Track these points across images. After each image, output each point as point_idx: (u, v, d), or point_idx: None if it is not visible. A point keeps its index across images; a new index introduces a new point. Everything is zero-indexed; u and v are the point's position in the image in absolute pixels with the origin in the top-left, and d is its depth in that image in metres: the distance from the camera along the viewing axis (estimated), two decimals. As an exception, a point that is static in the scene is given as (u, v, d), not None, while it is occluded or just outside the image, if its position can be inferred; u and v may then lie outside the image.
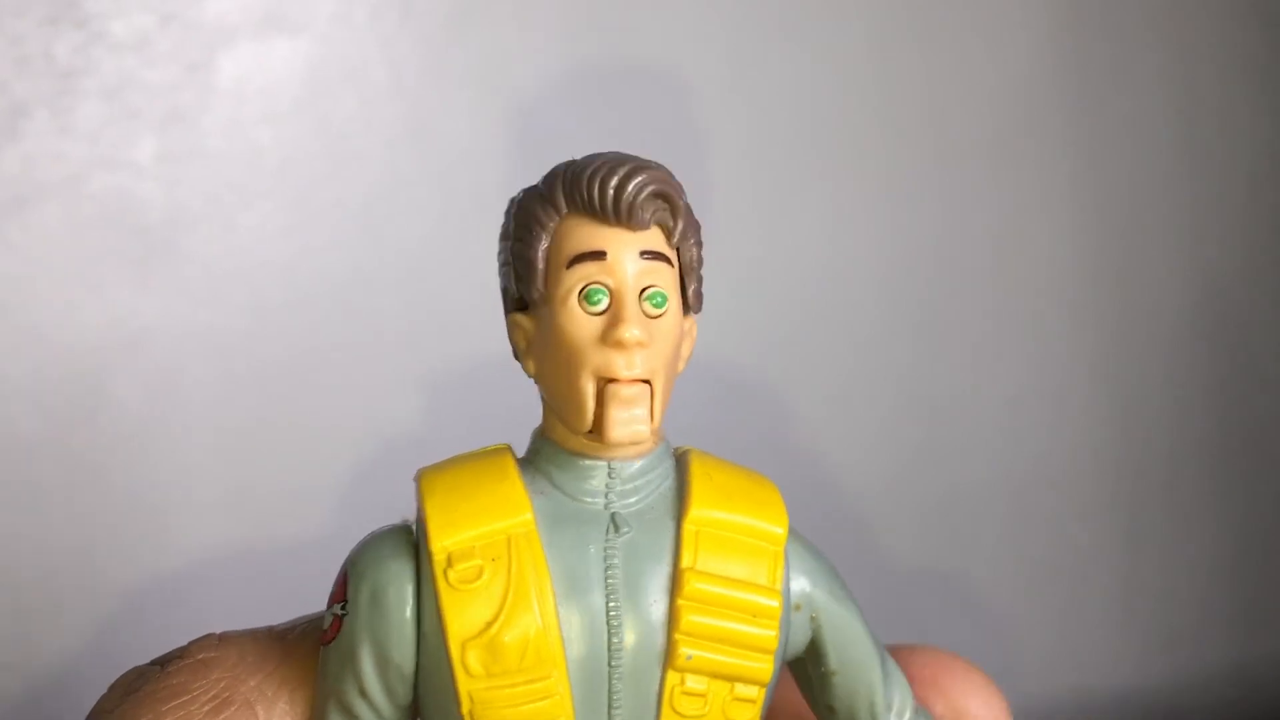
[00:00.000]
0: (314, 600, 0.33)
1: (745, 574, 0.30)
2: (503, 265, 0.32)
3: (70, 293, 0.64)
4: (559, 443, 0.31)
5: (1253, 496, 0.87)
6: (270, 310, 0.67)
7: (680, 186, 0.31)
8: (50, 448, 0.64)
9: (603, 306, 0.30)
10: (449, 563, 0.29)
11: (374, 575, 0.30)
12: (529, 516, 0.30)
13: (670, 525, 0.31)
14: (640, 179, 0.30)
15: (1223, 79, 0.84)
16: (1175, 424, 0.85)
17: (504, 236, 0.32)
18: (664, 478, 0.31)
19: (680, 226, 0.31)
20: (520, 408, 0.33)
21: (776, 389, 0.77)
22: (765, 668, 0.30)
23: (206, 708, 0.31)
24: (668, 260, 0.31)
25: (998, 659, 0.82)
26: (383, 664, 0.30)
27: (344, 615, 0.31)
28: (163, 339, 0.66)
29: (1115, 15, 0.81)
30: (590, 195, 0.30)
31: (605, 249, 0.30)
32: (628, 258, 0.30)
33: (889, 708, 0.33)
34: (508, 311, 0.32)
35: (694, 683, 0.30)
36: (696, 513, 0.31)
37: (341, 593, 0.31)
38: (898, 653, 0.35)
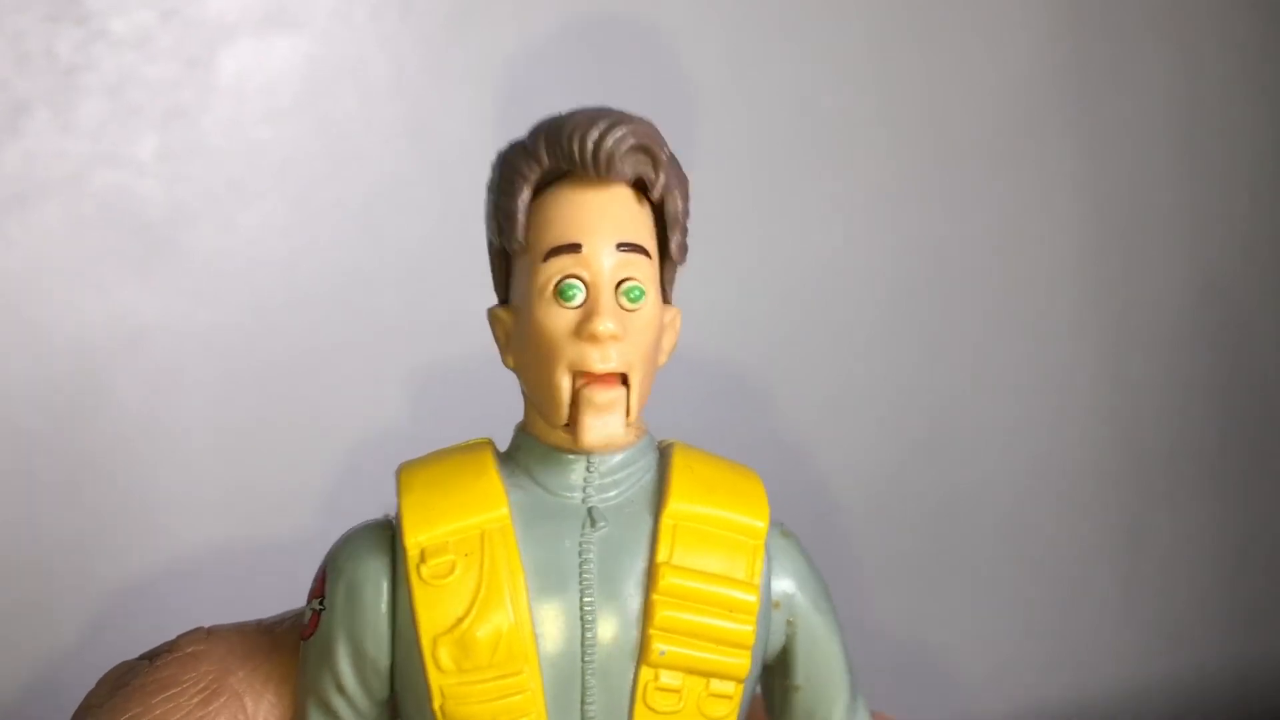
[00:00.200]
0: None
1: (723, 568, 0.30)
2: (487, 218, 0.32)
3: (71, 290, 0.64)
4: (538, 437, 0.31)
5: (1253, 496, 0.87)
6: (270, 308, 0.67)
7: (662, 139, 0.30)
8: (50, 444, 0.64)
9: (578, 301, 0.29)
10: (422, 558, 0.29)
11: (350, 571, 0.31)
12: (504, 512, 0.30)
13: (648, 519, 0.30)
14: (620, 132, 0.30)
15: (1223, 78, 0.84)
16: (1175, 423, 0.85)
17: (489, 188, 0.32)
18: (645, 471, 0.31)
19: (662, 179, 0.30)
20: (520, 407, 0.33)
21: (777, 388, 0.77)
22: (742, 663, 0.30)
23: (195, 699, 0.32)
24: (645, 252, 0.30)
25: (998, 658, 0.82)
26: (359, 659, 0.30)
27: (322, 610, 0.31)
28: (163, 336, 0.66)
29: (1115, 15, 0.81)
30: (570, 148, 0.29)
31: (581, 241, 0.30)
32: (604, 251, 0.30)
33: None
34: (494, 268, 0.32)
35: (668, 678, 0.30)
36: (675, 506, 0.30)
37: (320, 588, 0.31)
38: None
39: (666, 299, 0.32)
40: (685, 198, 0.31)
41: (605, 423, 0.29)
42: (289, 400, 0.68)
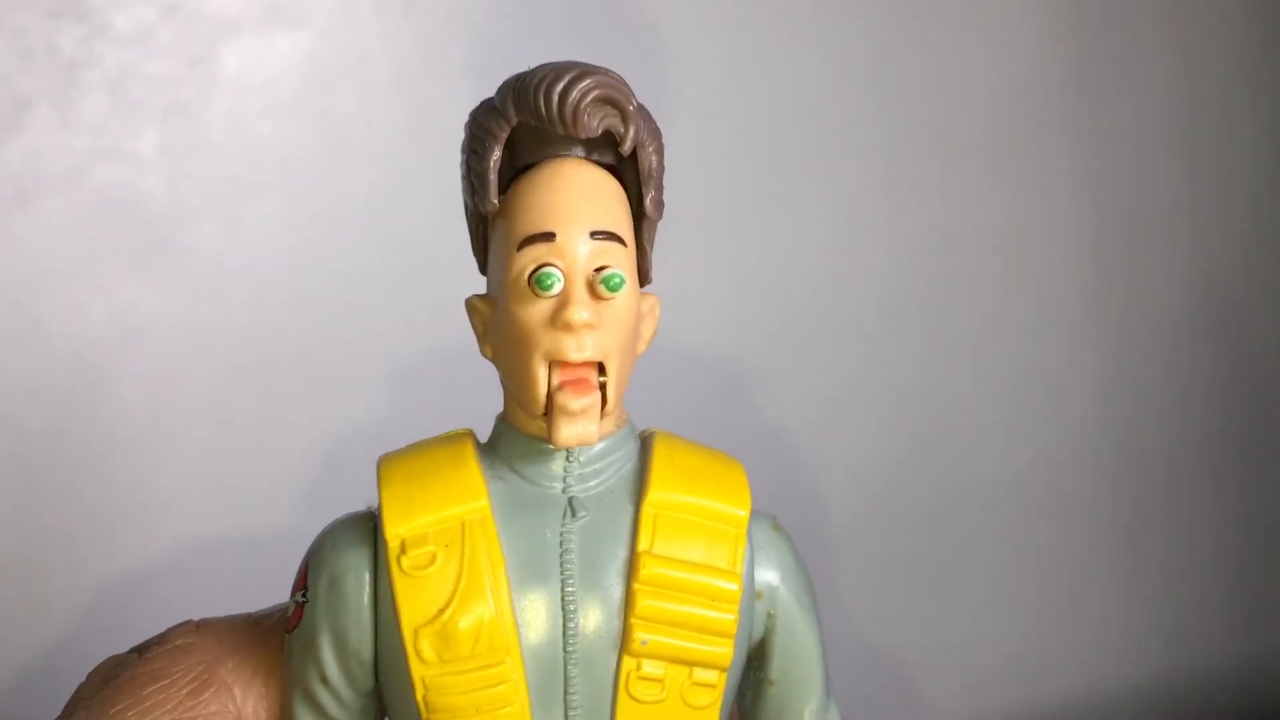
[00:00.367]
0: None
1: (704, 557, 0.30)
2: (462, 179, 0.31)
3: (71, 285, 0.65)
4: (518, 427, 0.31)
5: (1253, 494, 0.87)
6: (271, 304, 0.67)
7: (629, 91, 0.30)
8: (49, 439, 0.65)
9: (555, 290, 0.29)
10: (402, 549, 0.29)
11: (333, 563, 0.31)
12: (484, 502, 0.30)
13: (629, 508, 0.30)
14: (585, 84, 0.29)
15: (1223, 77, 0.84)
16: (1176, 422, 0.85)
17: (462, 150, 0.31)
18: (626, 460, 0.31)
19: (631, 131, 0.30)
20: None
21: (777, 386, 0.77)
22: (724, 652, 0.30)
23: (185, 690, 0.32)
24: (620, 240, 0.30)
25: (998, 657, 0.82)
26: (342, 650, 0.30)
27: (305, 603, 0.31)
28: (163, 332, 0.66)
29: (1116, 14, 0.81)
30: (536, 102, 0.29)
31: (554, 230, 0.29)
32: (578, 239, 0.29)
33: None
34: (472, 232, 0.32)
35: (651, 667, 0.30)
36: (655, 495, 0.30)
37: (303, 580, 0.31)
38: None
39: (646, 276, 0.32)
40: (659, 151, 0.31)
41: (579, 426, 0.29)
42: (289, 396, 0.68)
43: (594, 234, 0.30)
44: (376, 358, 0.70)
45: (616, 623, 0.30)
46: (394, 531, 0.30)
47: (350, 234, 0.69)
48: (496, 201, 0.30)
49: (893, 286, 0.78)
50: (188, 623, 0.34)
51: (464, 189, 0.32)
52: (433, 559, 0.29)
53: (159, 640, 0.34)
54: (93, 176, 0.64)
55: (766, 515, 0.32)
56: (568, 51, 0.72)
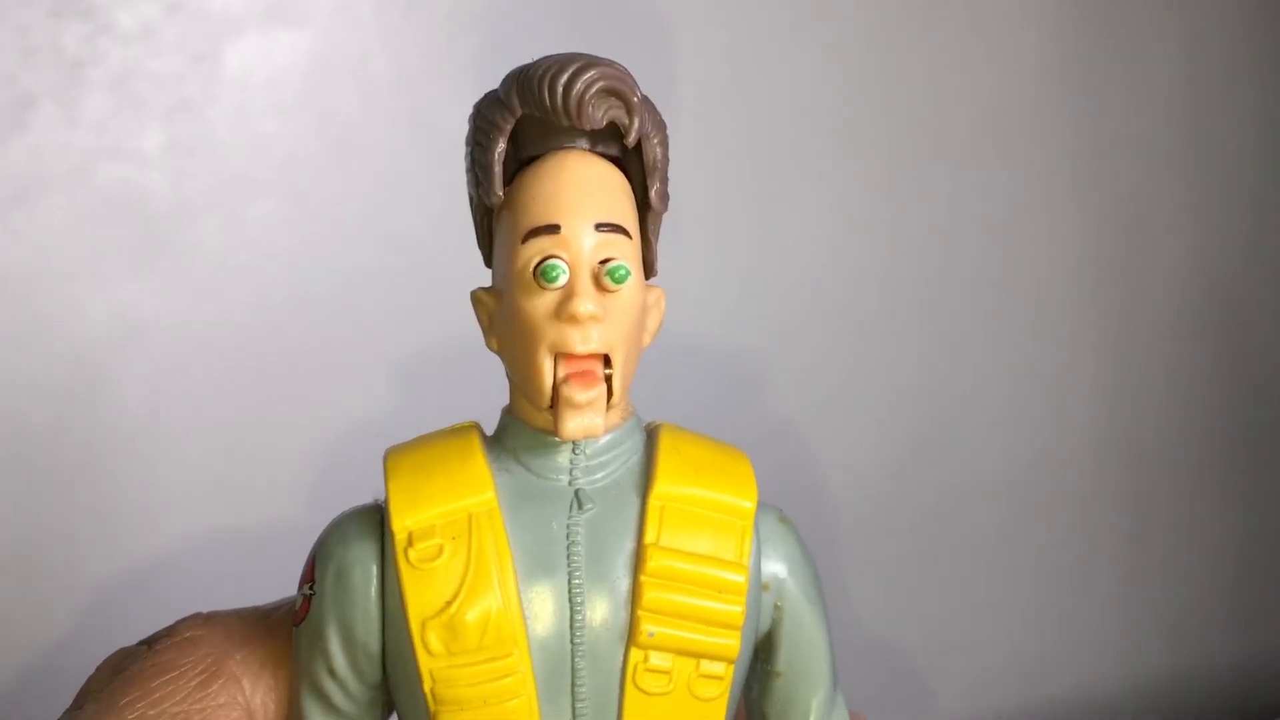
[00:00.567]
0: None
1: (711, 549, 0.30)
2: (466, 171, 0.32)
3: (74, 284, 0.65)
4: (524, 420, 0.31)
5: (1255, 493, 0.87)
6: (273, 302, 0.67)
7: (634, 82, 0.30)
8: (51, 437, 0.65)
9: (560, 282, 0.29)
10: (410, 541, 0.29)
11: (339, 555, 0.31)
12: (491, 495, 0.30)
13: (636, 500, 0.30)
14: (590, 75, 0.29)
15: (1227, 74, 0.84)
16: (1178, 420, 0.85)
17: (465, 142, 0.32)
18: (632, 452, 0.31)
19: (636, 122, 0.30)
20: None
21: (777, 384, 0.77)
22: (732, 644, 0.30)
23: (194, 682, 0.32)
24: (625, 232, 0.30)
25: (1000, 654, 0.82)
26: (349, 643, 0.30)
27: (312, 595, 0.31)
28: (166, 330, 0.66)
29: (1119, 11, 0.81)
30: (540, 94, 0.29)
31: (559, 222, 0.29)
32: (583, 231, 0.29)
33: None
34: (476, 224, 0.32)
35: (658, 659, 0.30)
36: (662, 487, 0.30)
37: (310, 573, 0.31)
38: None
39: (651, 268, 0.32)
40: (664, 143, 0.31)
41: (584, 418, 0.29)
42: (290, 395, 0.68)
43: (599, 226, 0.30)
44: (378, 356, 0.69)
45: (623, 615, 0.30)
46: (401, 524, 0.30)
47: (352, 232, 0.69)
48: (501, 193, 0.30)
49: (895, 284, 0.78)
50: (196, 615, 0.34)
51: (468, 181, 0.32)
52: (440, 551, 0.29)
53: (168, 633, 0.34)
54: (95, 174, 0.64)
55: (773, 507, 0.32)
56: (569, 48, 0.72)
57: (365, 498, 0.32)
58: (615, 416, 0.31)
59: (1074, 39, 0.80)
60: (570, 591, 0.30)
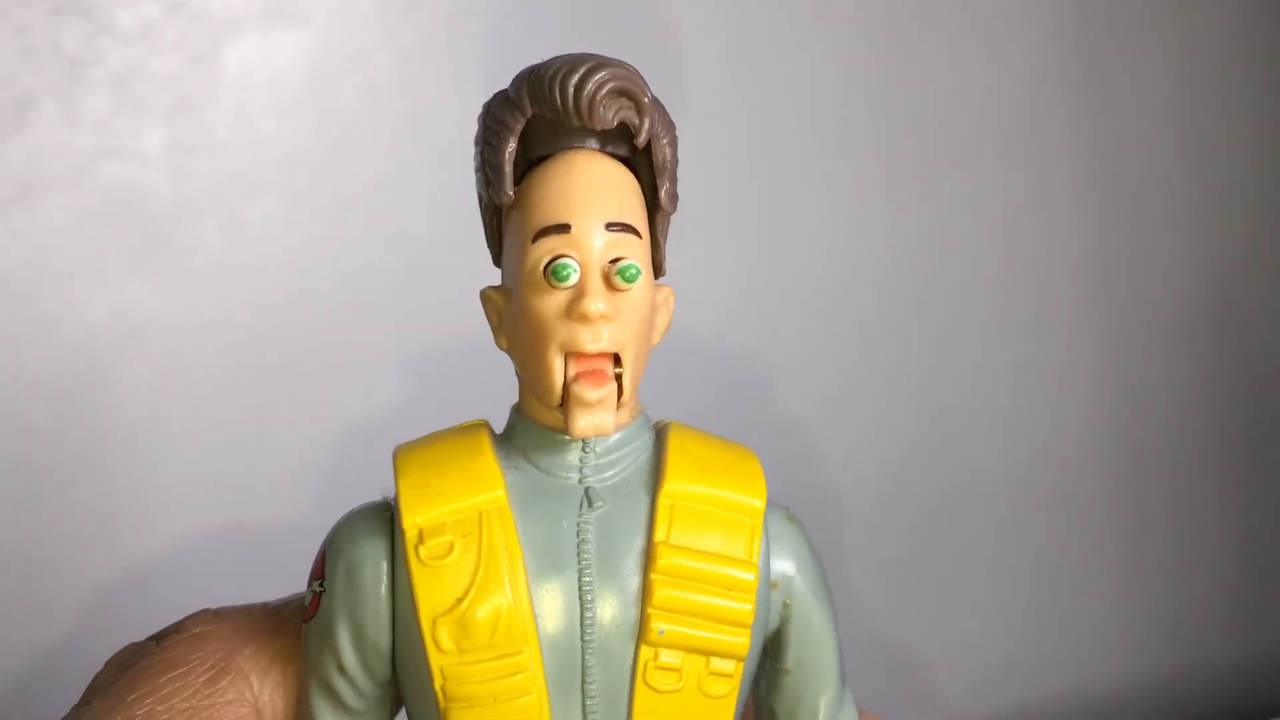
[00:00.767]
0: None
1: (721, 547, 0.30)
2: (476, 170, 0.31)
3: (75, 283, 0.65)
4: (534, 418, 0.31)
5: (1256, 492, 0.87)
6: (274, 301, 0.67)
7: (644, 83, 0.30)
8: (53, 437, 0.65)
9: (571, 281, 0.29)
10: (420, 539, 0.29)
11: (350, 552, 0.31)
12: (501, 493, 0.30)
13: (645, 499, 0.30)
14: (600, 75, 0.29)
15: (1227, 74, 0.84)
16: (1178, 419, 0.85)
17: (475, 142, 0.32)
18: (641, 451, 0.31)
19: (646, 123, 0.30)
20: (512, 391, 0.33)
21: (778, 383, 0.77)
22: (741, 642, 0.30)
23: (203, 678, 0.32)
24: (635, 231, 0.30)
25: (1000, 653, 0.82)
26: (359, 640, 0.30)
27: (322, 592, 0.31)
28: (167, 330, 0.66)
29: (1120, 10, 0.81)
30: (552, 95, 0.29)
31: (570, 221, 0.30)
32: (593, 231, 0.30)
33: None
34: (486, 224, 0.32)
35: (668, 657, 0.30)
36: (672, 486, 0.30)
37: (320, 570, 0.31)
38: None
39: (660, 268, 0.32)
40: (673, 144, 0.31)
41: (595, 416, 0.29)
42: (292, 393, 0.68)
43: (609, 225, 0.30)
44: (378, 356, 0.69)
45: (634, 613, 0.30)
46: (412, 521, 0.30)
47: (353, 232, 0.69)
48: (512, 193, 0.30)
49: (895, 284, 0.78)
50: (205, 611, 0.34)
51: (478, 181, 0.32)
52: (450, 549, 0.29)
53: (176, 629, 0.34)
54: (96, 174, 0.64)
55: (780, 506, 0.32)
56: (570, 49, 0.72)
57: (366, 497, 0.32)
58: (624, 415, 0.31)
59: (1074, 39, 0.80)
60: (580, 589, 0.30)
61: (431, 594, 0.29)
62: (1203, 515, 0.86)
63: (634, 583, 0.30)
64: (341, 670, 0.31)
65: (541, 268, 0.29)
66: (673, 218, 0.32)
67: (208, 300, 0.66)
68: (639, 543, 0.30)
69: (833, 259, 0.77)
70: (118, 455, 0.66)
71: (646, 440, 0.32)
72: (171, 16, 0.65)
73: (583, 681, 0.30)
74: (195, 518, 0.67)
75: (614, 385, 0.29)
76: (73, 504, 0.65)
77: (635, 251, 0.30)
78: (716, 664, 0.30)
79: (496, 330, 0.32)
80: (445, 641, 0.29)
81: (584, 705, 0.30)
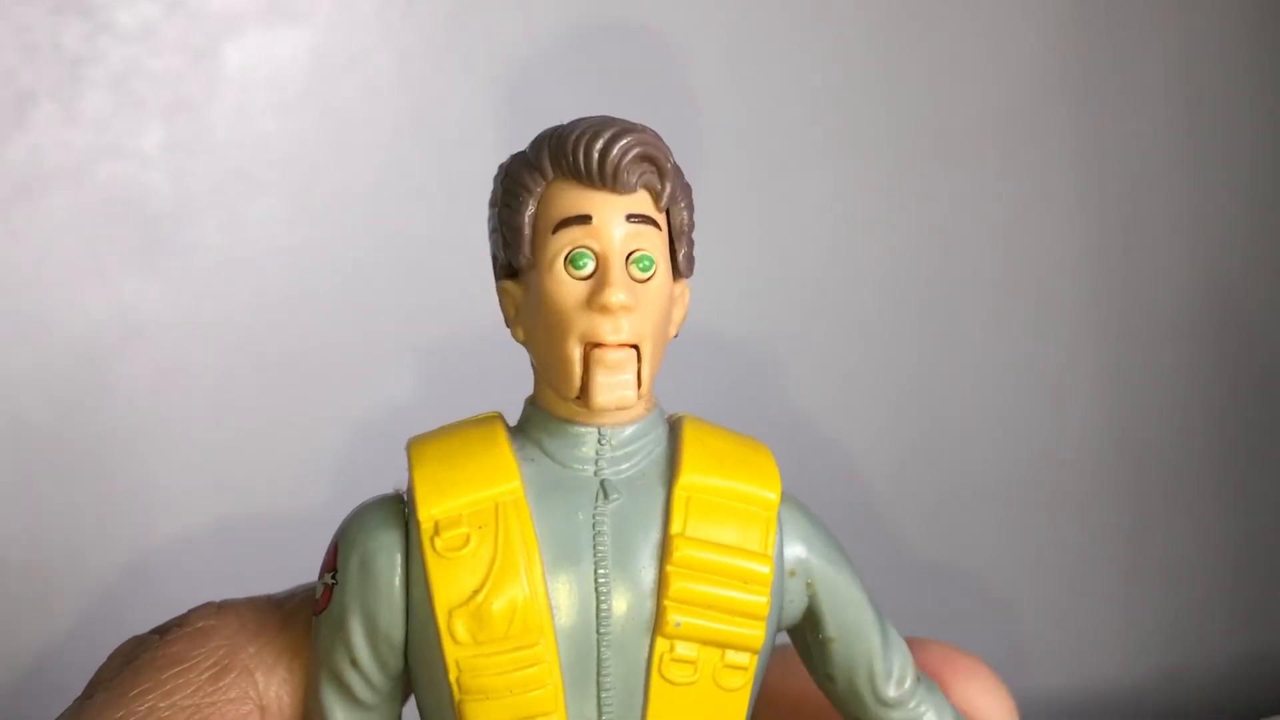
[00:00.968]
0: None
1: (736, 539, 0.30)
2: (491, 232, 0.32)
3: (75, 281, 0.65)
4: (549, 410, 0.31)
5: (1256, 489, 0.87)
6: (275, 299, 0.67)
7: (668, 149, 0.30)
8: (55, 436, 0.64)
9: (588, 271, 0.29)
10: (436, 530, 0.29)
11: (363, 544, 0.30)
12: (517, 484, 0.30)
13: (661, 491, 0.30)
14: (625, 141, 0.29)
15: (1227, 74, 0.84)
16: (1178, 419, 0.85)
17: (492, 203, 0.31)
18: (656, 444, 0.31)
19: (668, 189, 0.30)
20: (520, 386, 0.33)
21: (780, 380, 0.77)
22: (757, 634, 0.30)
23: (206, 675, 0.32)
24: (655, 224, 0.30)
25: (1000, 651, 0.82)
26: (372, 633, 0.30)
27: (334, 585, 0.31)
28: (168, 328, 0.66)
29: (1120, 8, 0.81)
30: (575, 159, 0.29)
31: (591, 213, 0.30)
32: (614, 222, 0.30)
33: (888, 675, 0.32)
34: (498, 280, 0.32)
35: (684, 649, 0.30)
36: (687, 478, 0.30)
37: (332, 562, 0.31)
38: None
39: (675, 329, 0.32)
40: (690, 208, 0.31)
41: (618, 381, 0.29)
42: (292, 391, 0.68)
43: (630, 217, 0.30)
44: (379, 354, 0.69)
45: (649, 605, 0.30)
46: (427, 513, 0.30)
47: (353, 229, 0.69)
48: (531, 254, 0.30)
49: (895, 284, 0.78)
50: (209, 605, 0.34)
51: (493, 242, 0.32)
52: (466, 540, 0.29)
53: (179, 622, 0.33)
54: (96, 172, 0.64)
55: (784, 494, 0.32)
56: (570, 42, 0.72)
57: (370, 492, 0.32)
58: (640, 408, 0.31)
59: (1074, 39, 0.80)
60: (596, 581, 0.30)
61: (447, 586, 0.29)
62: (1202, 515, 0.86)
63: (650, 575, 0.30)
64: (354, 664, 0.31)
65: (562, 258, 0.30)
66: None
67: (208, 299, 0.66)
68: (655, 535, 0.30)
69: (833, 258, 0.77)
70: (118, 454, 0.66)
71: (661, 433, 0.32)
72: (171, 15, 0.65)
73: (598, 674, 0.30)
74: (195, 516, 0.67)
75: (634, 352, 0.30)
76: (73, 502, 0.65)
77: (654, 243, 0.30)
78: (732, 656, 0.30)
79: (512, 322, 0.32)
80: (461, 633, 0.29)
81: (599, 697, 0.30)
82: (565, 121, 0.31)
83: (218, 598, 0.35)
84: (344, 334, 0.69)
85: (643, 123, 0.30)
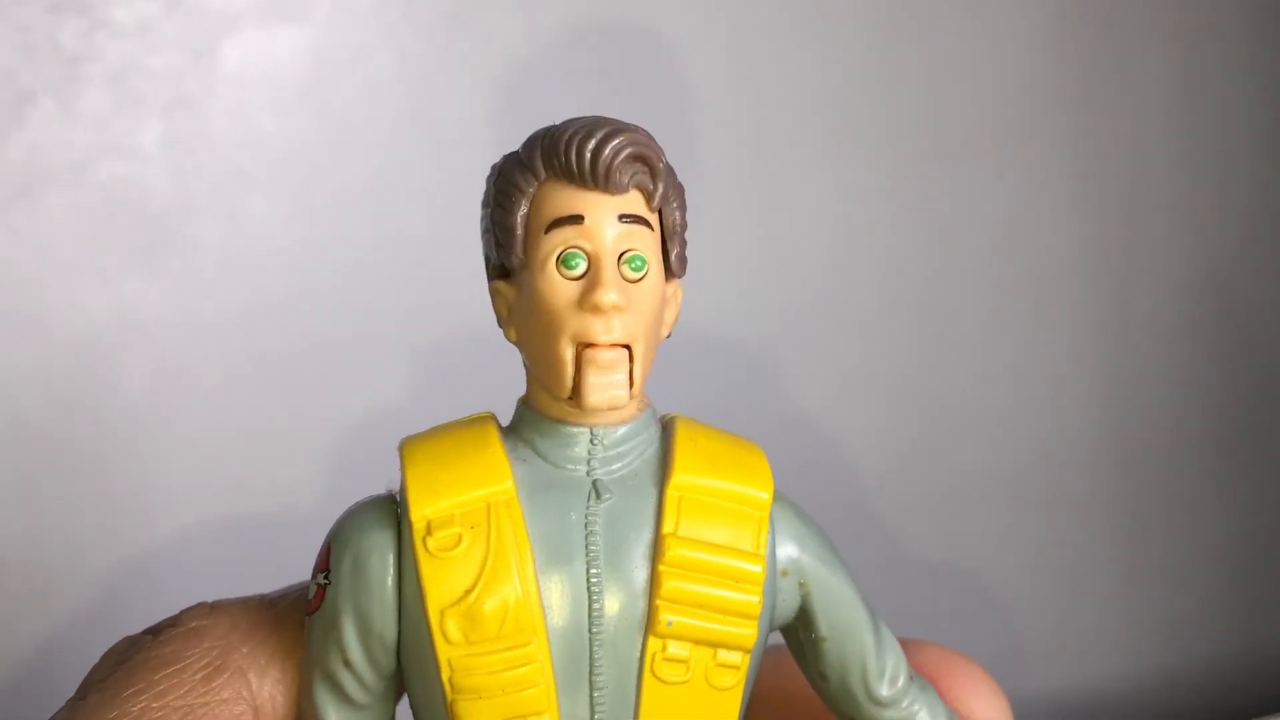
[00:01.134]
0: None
1: (728, 539, 0.30)
2: (484, 232, 0.32)
3: (75, 280, 0.65)
4: (541, 410, 0.31)
5: (1255, 488, 0.87)
6: (275, 298, 0.67)
7: (660, 149, 0.30)
8: (55, 436, 0.64)
9: (580, 271, 0.29)
10: (428, 530, 0.29)
11: (356, 544, 0.30)
12: (509, 484, 0.30)
13: (653, 491, 0.30)
14: (617, 141, 0.30)
15: (1227, 74, 0.84)
16: (1178, 418, 0.85)
17: (485, 203, 0.32)
18: (649, 444, 0.31)
19: (660, 189, 0.30)
20: (513, 385, 0.33)
21: (779, 380, 0.77)
22: (749, 633, 0.30)
23: (199, 675, 0.32)
24: (647, 224, 0.30)
25: (999, 650, 0.82)
26: (365, 633, 0.30)
27: (327, 584, 0.31)
28: (168, 327, 0.66)
29: (1119, 11, 0.81)
30: (568, 160, 0.30)
31: (583, 213, 0.30)
32: (606, 222, 0.30)
33: (881, 674, 0.32)
34: (490, 280, 0.32)
35: (676, 649, 0.30)
36: (679, 478, 0.30)
37: (325, 562, 0.31)
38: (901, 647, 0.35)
39: (668, 328, 0.32)
40: (683, 208, 0.31)
41: (610, 381, 0.29)
42: (292, 391, 0.68)
43: (622, 217, 0.30)
44: (379, 353, 0.69)
45: (642, 604, 0.30)
46: (419, 513, 0.30)
47: (353, 228, 0.69)
48: (524, 255, 0.30)
49: (895, 277, 0.78)
50: (202, 605, 0.34)
51: (486, 243, 0.32)
52: (458, 540, 0.29)
53: (172, 622, 0.33)
54: (95, 171, 0.64)
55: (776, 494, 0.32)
56: (570, 41, 0.72)
57: (368, 491, 0.32)
58: (633, 408, 0.31)
59: (1073, 39, 0.80)
60: (589, 581, 0.30)
61: (440, 586, 0.29)
62: (1202, 514, 0.86)
63: (642, 575, 0.30)
64: (347, 663, 0.31)
65: (554, 259, 0.30)
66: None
67: (208, 297, 0.66)
68: (647, 535, 0.30)
69: (832, 258, 0.77)
70: (118, 455, 0.66)
71: (654, 433, 0.32)
72: (170, 13, 0.65)
73: (590, 673, 0.30)
74: (195, 515, 0.67)
75: (626, 352, 0.30)
76: (73, 502, 0.65)
77: (646, 243, 0.30)
78: (724, 655, 0.30)
79: (505, 322, 0.32)
80: (453, 633, 0.29)
81: (591, 697, 0.30)
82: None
83: (217, 594, 0.35)
84: (344, 332, 0.69)
85: (636, 123, 0.30)
